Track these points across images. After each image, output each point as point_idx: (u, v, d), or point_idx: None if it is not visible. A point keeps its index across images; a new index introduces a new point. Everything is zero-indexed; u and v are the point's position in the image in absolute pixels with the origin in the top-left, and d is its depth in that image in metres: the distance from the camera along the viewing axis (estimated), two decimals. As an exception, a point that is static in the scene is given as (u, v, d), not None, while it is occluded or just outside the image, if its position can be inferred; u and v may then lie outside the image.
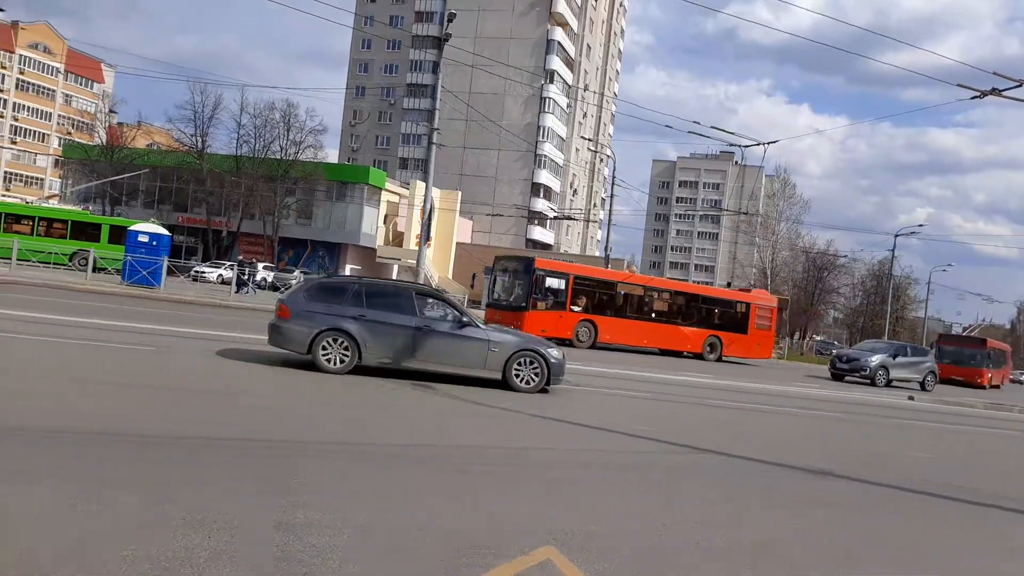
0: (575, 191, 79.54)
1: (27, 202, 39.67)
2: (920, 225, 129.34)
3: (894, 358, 24.88)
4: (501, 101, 68.74)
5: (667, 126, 33.60)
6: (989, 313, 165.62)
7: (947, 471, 9.42)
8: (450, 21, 28.76)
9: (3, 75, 79.80)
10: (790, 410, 14.38)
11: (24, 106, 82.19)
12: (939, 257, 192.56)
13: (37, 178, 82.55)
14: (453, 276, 55.98)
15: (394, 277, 50.74)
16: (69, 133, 69.85)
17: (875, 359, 24.54)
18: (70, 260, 28.79)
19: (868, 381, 24.16)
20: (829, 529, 5.65)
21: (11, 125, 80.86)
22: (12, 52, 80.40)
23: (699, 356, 26.77)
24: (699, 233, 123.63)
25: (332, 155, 70.60)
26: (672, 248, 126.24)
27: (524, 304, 23.54)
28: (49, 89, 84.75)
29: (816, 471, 7.80)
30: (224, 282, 33.46)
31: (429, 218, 28.39)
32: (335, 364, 10.27)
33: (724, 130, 33.28)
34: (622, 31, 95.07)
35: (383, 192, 51.36)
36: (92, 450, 5.24)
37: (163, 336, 12.67)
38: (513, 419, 8.92)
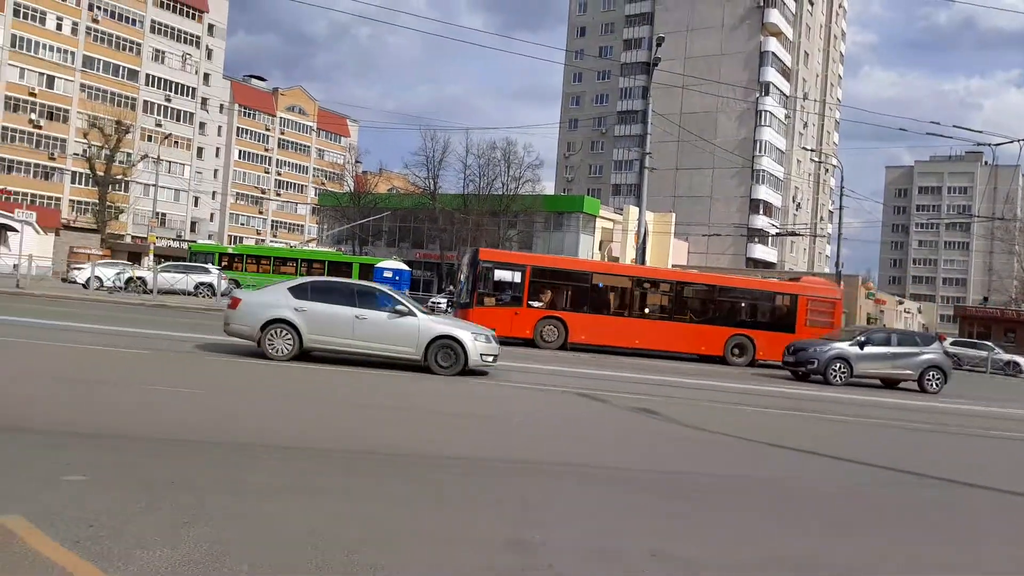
0: (798, 205, 75.45)
1: (291, 246, 45.71)
2: None
3: (862, 347, 18.62)
4: (713, 119, 67.34)
5: (901, 129, 30.75)
6: None
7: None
8: (659, 45, 29.13)
9: (268, 136, 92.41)
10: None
11: (285, 162, 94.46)
12: None
13: (298, 225, 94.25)
14: (670, 299, 55.47)
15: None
16: (322, 183, 79.15)
17: (831, 349, 18.60)
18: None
19: (821, 378, 18.55)
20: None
21: (275, 179, 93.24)
22: (274, 115, 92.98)
23: (721, 360, 22.32)
24: (946, 244, 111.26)
25: (549, 187, 73.28)
26: (914, 261, 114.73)
27: (468, 301, 21.27)
28: (304, 145, 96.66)
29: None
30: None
31: (644, 242, 28.69)
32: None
33: (969, 128, 30.11)
34: (843, 33, 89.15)
35: (597, 219, 52.39)
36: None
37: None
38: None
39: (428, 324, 12.10)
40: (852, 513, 6.22)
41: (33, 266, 27.75)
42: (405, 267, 28.53)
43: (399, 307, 12.11)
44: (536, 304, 21.39)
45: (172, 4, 75.14)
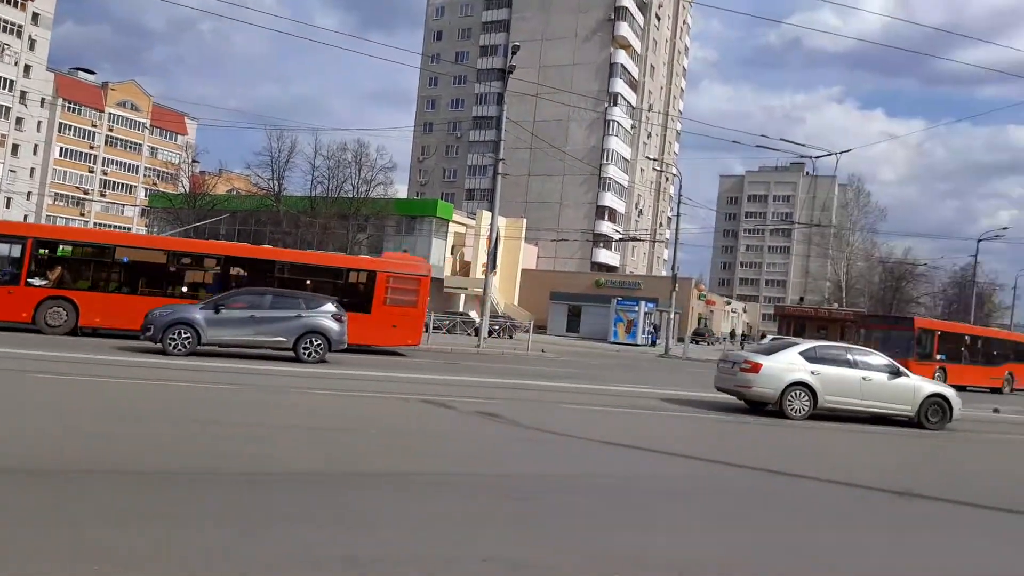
0: (640, 212, 79.24)
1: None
2: (1004, 228, 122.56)
3: (217, 311, 15.34)
4: (565, 127, 69.39)
5: (734, 141, 33.19)
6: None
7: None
8: (514, 53, 29.53)
9: (94, 132, 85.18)
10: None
11: (113, 160, 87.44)
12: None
13: (125, 227, 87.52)
14: (519, 302, 56.49)
15: (461, 306, 51.57)
16: (154, 184, 73.91)
17: (174, 314, 15.13)
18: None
19: (160, 347, 14.88)
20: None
21: (101, 179, 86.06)
22: (103, 111, 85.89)
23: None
24: (770, 248, 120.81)
25: (402, 191, 72.47)
26: (742, 264, 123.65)
27: None
28: (135, 143, 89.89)
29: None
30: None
31: (495, 247, 28.93)
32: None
33: (793, 142, 32.84)
34: (686, 49, 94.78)
35: (450, 224, 52.43)
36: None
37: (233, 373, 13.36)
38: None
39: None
40: (675, 508, 6.46)
41: None
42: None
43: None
44: (39, 282, 18.27)
45: (-10, -10, 67.82)
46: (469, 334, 32.35)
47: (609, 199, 70.98)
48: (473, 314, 39.47)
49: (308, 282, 20.25)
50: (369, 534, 4.69)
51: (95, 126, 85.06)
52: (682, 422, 12.43)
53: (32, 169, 76.69)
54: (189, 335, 14.72)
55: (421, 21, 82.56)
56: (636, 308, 46.38)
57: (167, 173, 64.41)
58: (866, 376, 13.15)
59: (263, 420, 8.96)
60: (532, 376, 17.95)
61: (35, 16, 73.30)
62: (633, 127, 74.67)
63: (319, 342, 15.86)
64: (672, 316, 39.82)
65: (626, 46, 72.16)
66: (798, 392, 12.82)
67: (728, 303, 76.79)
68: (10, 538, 4.03)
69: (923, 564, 5.30)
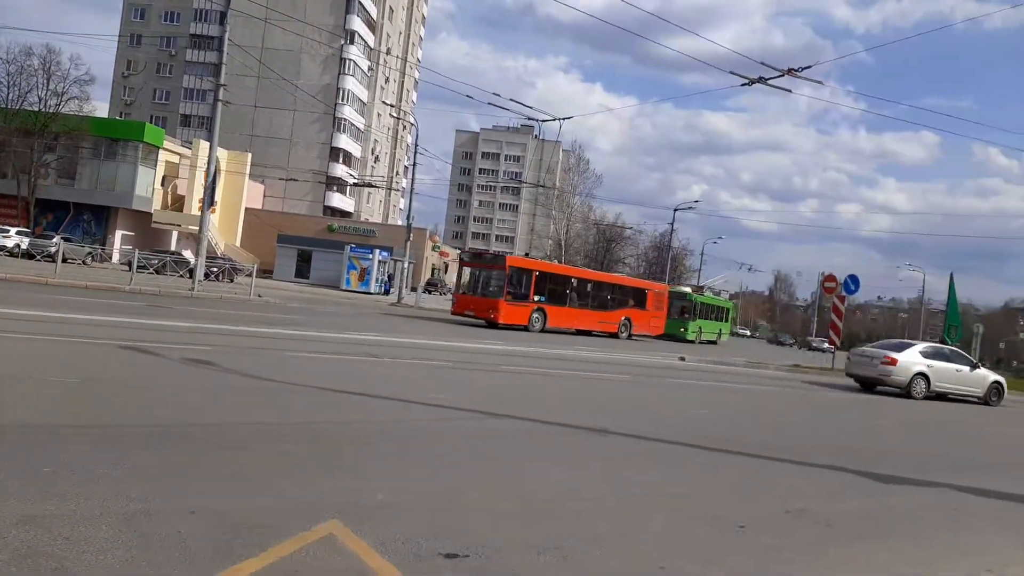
0: (377, 158, 78.02)
1: None
2: (696, 201, 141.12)
3: None
4: (297, 59, 65.39)
5: (468, 96, 33.49)
6: (751, 281, 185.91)
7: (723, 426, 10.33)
8: (238, -32, 26.74)
9: None
10: None
11: None
12: (711, 231, 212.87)
13: None
14: (241, 244, 52.82)
15: (173, 245, 46.87)
16: None
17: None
18: None
19: None
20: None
21: None
22: None
23: None
24: (500, 204, 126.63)
25: (102, 109, 63.46)
26: (475, 219, 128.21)
27: None
28: None
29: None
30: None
31: (214, 181, 26.41)
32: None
33: (522, 103, 33.99)
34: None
35: (161, 151, 46.89)
36: None
37: None
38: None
39: None
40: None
41: None
42: None
43: None
44: None
45: None
46: (182, 275, 29.36)
47: (344, 141, 68.73)
48: (187, 253, 35.94)
49: None
50: (65, 489, 4.04)
51: None
52: (412, 369, 12.28)
53: None
54: None
55: (131, -86, 72.00)
56: (371, 256, 45.64)
57: None
58: (958, 368, 18.65)
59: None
60: (250, 323, 16.70)
61: None
62: (371, 69, 72.73)
63: None
64: (406, 265, 39.82)
65: (365, -18, 69.65)
66: (919, 380, 18.03)
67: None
68: None
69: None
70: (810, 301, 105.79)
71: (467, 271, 28.25)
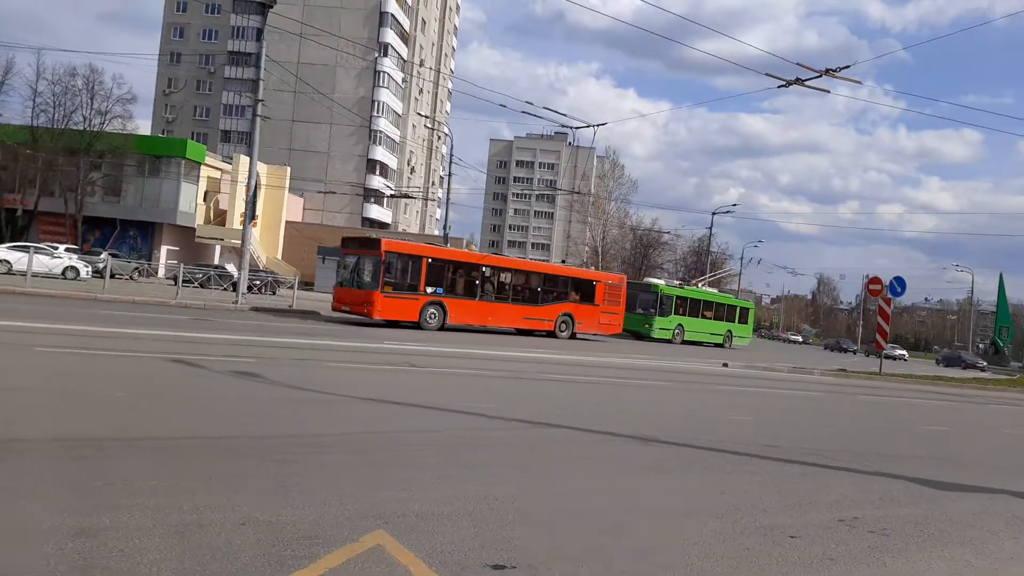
0: (413, 169, 78.71)
1: None
2: (734, 204, 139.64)
3: None
4: (332, 73, 66.39)
5: (501, 105, 33.93)
6: (793, 284, 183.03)
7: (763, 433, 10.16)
8: (274, -15, 27.19)
9: None
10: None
11: None
12: (750, 234, 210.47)
13: None
14: (283, 256, 53.66)
15: (216, 259, 47.78)
16: None
17: None
18: None
19: None
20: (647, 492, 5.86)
21: None
22: None
23: None
24: (536, 212, 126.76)
25: (144, 127, 65.16)
26: (510, 227, 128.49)
27: None
28: None
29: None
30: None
31: (254, 195, 26.85)
32: None
33: (555, 111, 33.78)
34: (457, 6, 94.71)
35: (203, 167, 47.98)
36: None
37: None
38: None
39: None
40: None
41: None
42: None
43: None
44: None
45: None
46: (226, 288, 29.92)
47: (380, 153, 69.49)
48: (230, 267, 36.62)
49: None
50: (119, 502, 4.11)
51: None
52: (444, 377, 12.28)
53: None
54: None
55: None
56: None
57: None
58: None
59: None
60: (293, 334, 16.93)
61: None
62: (405, 81, 73.47)
63: None
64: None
65: (396, -6, 70.43)
66: None
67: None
68: None
69: None
70: (854, 304, 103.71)
71: (347, 259, 23.97)
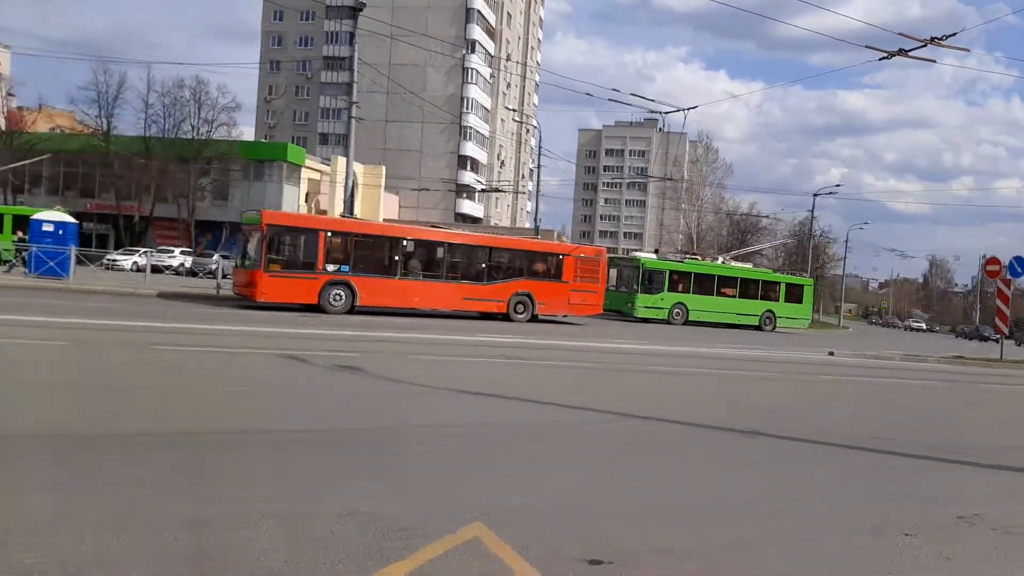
0: (503, 163, 79.22)
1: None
2: (837, 185, 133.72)
3: None
4: (422, 72, 67.55)
5: (587, 94, 33.33)
6: (903, 268, 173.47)
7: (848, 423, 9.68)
8: (364, -11, 27.87)
9: None
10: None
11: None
12: (855, 216, 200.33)
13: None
14: (382, 253, 55.09)
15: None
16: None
17: None
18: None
19: None
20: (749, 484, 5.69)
21: None
22: None
23: None
24: (627, 201, 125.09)
25: (248, 133, 68.28)
26: (601, 217, 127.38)
27: None
28: (-66, 71, 78.86)
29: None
30: (139, 269, 31.93)
31: (352, 194, 27.70)
32: None
33: (644, 97, 33.21)
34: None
35: (303, 169, 49.90)
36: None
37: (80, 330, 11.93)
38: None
39: None
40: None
41: None
42: (70, 219, 24.21)
43: None
44: None
45: None
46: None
47: (471, 149, 70.28)
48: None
49: None
50: (228, 492, 4.36)
51: None
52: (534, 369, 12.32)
53: None
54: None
55: (261, -52, 76.87)
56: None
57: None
58: None
59: (109, 381, 7.97)
60: (394, 328, 17.38)
61: None
62: (492, 76, 73.93)
63: None
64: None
65: (481, -9, 70.84)
66: None
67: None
68: None
69: None
70: (970, 287, 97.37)
71: (245, 238, 21.66)
